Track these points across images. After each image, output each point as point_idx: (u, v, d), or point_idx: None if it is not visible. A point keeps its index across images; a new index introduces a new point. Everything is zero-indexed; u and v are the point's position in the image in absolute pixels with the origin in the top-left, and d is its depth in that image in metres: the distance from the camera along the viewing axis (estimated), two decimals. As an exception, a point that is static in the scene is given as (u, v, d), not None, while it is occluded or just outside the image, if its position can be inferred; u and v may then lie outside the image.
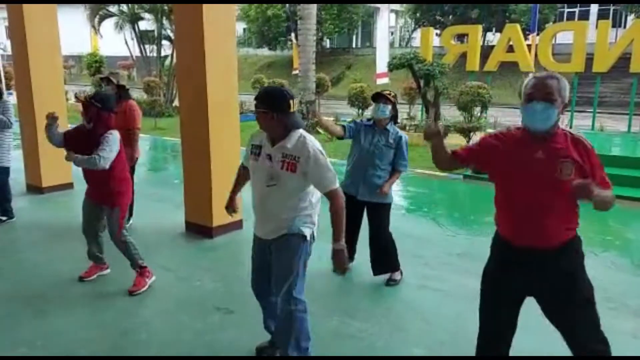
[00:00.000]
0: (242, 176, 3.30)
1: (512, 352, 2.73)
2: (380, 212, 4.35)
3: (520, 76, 15.00)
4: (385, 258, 4.38)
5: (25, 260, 4.83)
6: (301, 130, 2.88)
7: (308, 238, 2.93)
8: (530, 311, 2.65)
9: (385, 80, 16.30)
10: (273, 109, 2.77)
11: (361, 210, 4.35)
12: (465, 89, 10.35)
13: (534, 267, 2.50)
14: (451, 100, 11.50)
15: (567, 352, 2.58)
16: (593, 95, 12.87)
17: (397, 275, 4.40)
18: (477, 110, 10.62)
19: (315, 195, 2.96)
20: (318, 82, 15.09)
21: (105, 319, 3.76)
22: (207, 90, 5.20)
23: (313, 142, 2.85)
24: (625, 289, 4.38)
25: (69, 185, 7.20)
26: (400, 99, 15.56)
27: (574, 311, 2.49)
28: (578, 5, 28.70)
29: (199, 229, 5.48)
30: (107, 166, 3.89)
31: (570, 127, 12.93)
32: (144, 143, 11.94)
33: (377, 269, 4.40)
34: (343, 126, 4.29)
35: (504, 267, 2.61)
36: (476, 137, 10.55)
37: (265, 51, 33.97)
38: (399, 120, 4.70)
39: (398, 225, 6.11)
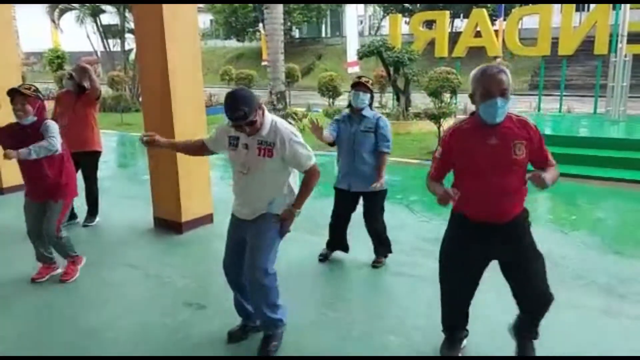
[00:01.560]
0: (190, 146, 3.32)
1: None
2: (375, 201, 4.33)
3: (488, 61, 15.13)
4: (382, 242, 4.45)
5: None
6: (272, 116, 2.97)
7: None
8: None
9: (356, 68, 16.28)
10: (257, 108, 2.80)
11: (355, 202, 4.36)
12: (434, 75, 10.36)
13: (492, 238, 2.75)
14: (421, 86, 11.51)
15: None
16: (560, 79, 13.06)
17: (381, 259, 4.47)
18: (447, 96, 10.65)
19: (293, 179, 3.07)
20: (288, 73, 14.95)
21: (70, 319, 3.63)
22: (170, 84, 5.04)
23: (284, 125, 2.95)
24: (594, 267, 4.44)
25: (32, 185, 6.95)
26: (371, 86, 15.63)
27: (531, 264, 2.77)
28: (543, -10, 29.05)
29: (167, 224, 5.35)
30: (60, 149, 3.85)
31: (539, 110, 13.14)
32: (111, 139, 11.67)
33: (381, 253, 4.45)
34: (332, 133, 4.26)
35: (465, 241, 2.83)
36: (447, 123, 10.61)
37: (233, 42, 33.58)
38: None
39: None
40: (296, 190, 3.07)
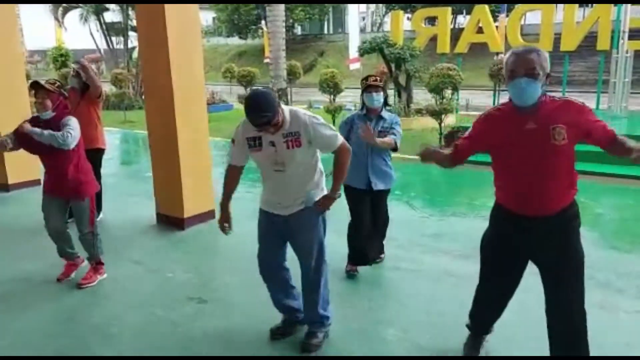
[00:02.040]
0: (234, 178, 3.16)
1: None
2: (385, 198, 4.30)
3: (490, 58, 15.13)
4: (381, 241, 4.43)
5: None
6: (288, 107, 2.95)
7: None
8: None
9: (358, 65, 16.27)
10: (278, 109, 2.76)
11: (372, 201, 4.23)
12: (435, 72, 10.37)
13: (530, 233, 2.60)
14: (423, 82, 11.53)
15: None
16: (562, 74, 13.05)
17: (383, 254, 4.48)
18: (448, 92, 10.66)
19: (319, 162, 3.08)
20: (290, 70, 14.98)
21: (74, 314, 3.69)
22: (172, 81, 5.10)
23: (302, 112, 2.94)
24: (593, 262, 4.42)
25: (37, 182, 7.01)
26: (373, 83, 15.66)
27: (565, 271, 2.61)
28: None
29: (170, 220, 5.42)
30: (72, 146, 3.82)
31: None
32: (114, 137, 11.74)
33: (377, 253, 4.37)
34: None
35: (507, 236, 2.70)
36: (448, 119, 10.64)
37: (235, 40, 33.58)
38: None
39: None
40: (324, 184, 3.10)
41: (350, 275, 4.24)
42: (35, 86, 3.84)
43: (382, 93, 4.04)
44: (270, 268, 3.19)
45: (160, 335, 3.40)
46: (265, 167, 2.97)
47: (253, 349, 3.23)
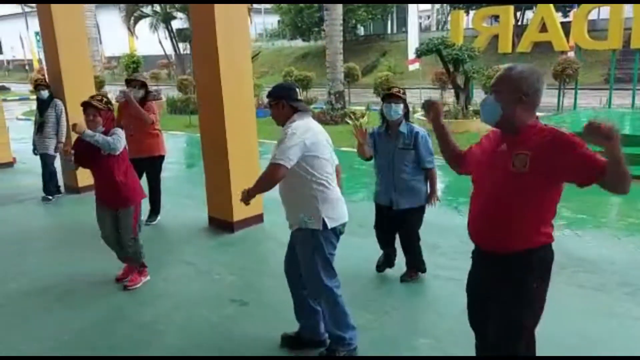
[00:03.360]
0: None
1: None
2: (415, 216, 4.21)
3: (555, 56, 14.54)
4: (411, 259, 4.34)
5: (54, 259, 5.08)
6: (301, 119, 3.04)
7: (320, 229, 3.00)
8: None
9: (417, 66, 16.10)
10: (282, 99, 3.08)
11: (397, 219, 4.20)
12: (492, 73, 10.12)
13: (481, 266, 2.47)
14: (482, 83, 11.28)
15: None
16: (632, 72, 12.33)
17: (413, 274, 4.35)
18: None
19: (314, 185, 2.99)
20: (347, 72, 15.05)
21: (127, 313, 3.97)
22: (222, 87, 5.32)
23: (298, 127, 2.97)
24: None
25: (104, 185, 7.49)
26: (432, 84, 15.43)
27: (498, 320, 2.37)
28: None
29: (220, 223, 5.66)
30: (120, 150, 4.09)
31: (609, 107, 12.48)
32: (178, 140, 12.29)
33: (413, 266, 4.36)
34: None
35: (472, 264, 2.60)
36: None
37: (299, 42, 34.00)
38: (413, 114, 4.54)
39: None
40: (321, 206, 3.01)
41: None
42: (85, 105, 4.10)
43: (402, 105, 3.97)
44: (289, 277, 3.32)
45: (200, 334, 3.60)
46: None
47: (284, 352, 3.35)
